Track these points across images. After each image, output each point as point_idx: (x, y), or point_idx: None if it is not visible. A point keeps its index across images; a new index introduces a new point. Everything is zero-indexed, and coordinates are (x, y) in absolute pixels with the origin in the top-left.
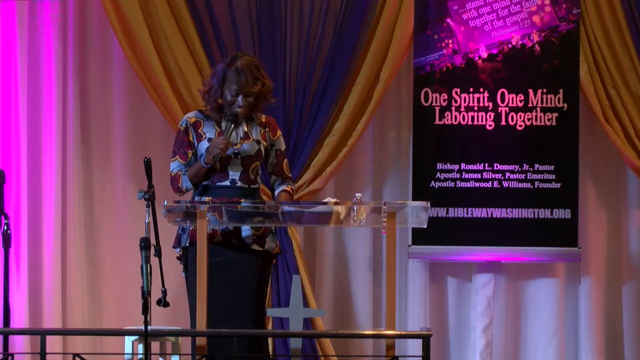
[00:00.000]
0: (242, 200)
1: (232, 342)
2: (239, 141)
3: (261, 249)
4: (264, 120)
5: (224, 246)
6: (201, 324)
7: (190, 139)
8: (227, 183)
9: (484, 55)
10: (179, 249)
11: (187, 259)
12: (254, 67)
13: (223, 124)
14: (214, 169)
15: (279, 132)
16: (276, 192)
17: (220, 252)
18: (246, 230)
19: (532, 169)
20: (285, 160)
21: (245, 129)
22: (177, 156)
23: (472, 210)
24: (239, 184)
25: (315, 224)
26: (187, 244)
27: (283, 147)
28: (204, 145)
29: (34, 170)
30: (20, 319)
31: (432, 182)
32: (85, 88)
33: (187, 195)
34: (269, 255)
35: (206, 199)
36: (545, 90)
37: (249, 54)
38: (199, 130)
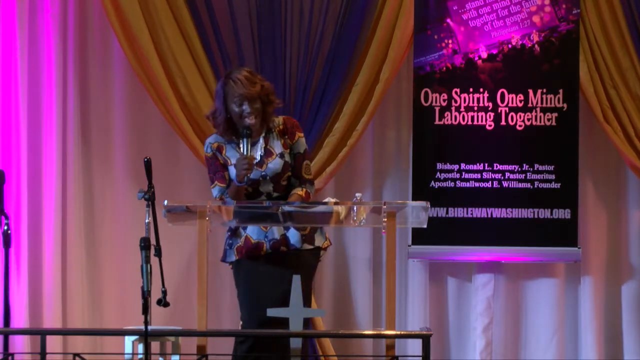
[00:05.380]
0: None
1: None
2: (262, 161)
3: (312, 247)
4: (282, 127)
5: (273, 257)
6: (201, 324)
7: (221, 161)
8: (263, 197)
9: (484, 55)
10: (228, 263)
11: (234, 267)
12: (248, 72)
13: (241, 144)
14: (248, 191)
15: (297, 135)
16: (290, 194)
17: (265, 263)
18: (294, 236)
19: (532, 169)
20: (305, 162)
21: (267, 146)
22: (216, 181)
23: (472, 210)
24: (274, 195)
25: (315, 224)
26: (234, 259)
27: (302, 149)
28: (232, 170)
29: (34, 170)
30: (20, 319)
31: (432, 182)
32: (85, 88)
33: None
34: (318, 251)
35: None
36: (545, 90)
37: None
38: (224, 155)
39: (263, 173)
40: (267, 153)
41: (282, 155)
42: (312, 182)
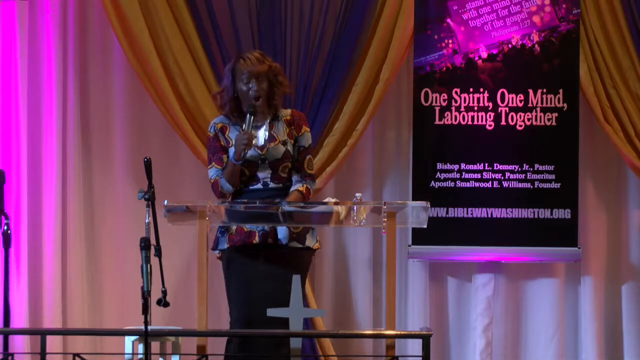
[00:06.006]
0: (277, 200)
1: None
2: (264, 145)
3: (301, 246)
4: (289, 117)
5: (262, 247)
6: (201, 324)
7: (222, 143)
8: (259, 186)
9: (484, 55)
10: (217, 251)
11: (225, 259)
12: (259, 54)
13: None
14: (245, 174)
15: (304, 128)
16: (290, 190)
17: (258, 260)
18: (281, 231)
19: (532, 169)
20: (309, 157)
21: (271, 131)
22: (213, 162)
23: (472, 210)
24: (271, 185)
25: (315, 224)
26: (226, 247)
27: (307, 144)
28: (231, 151)
29: (34, 170)
30: (20, 319)
31: (432, 182)
32: (85, 88)
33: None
34: (308, 251)
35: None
36: (545, 90)
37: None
38: (226, 136)
39: (263, 156)
40: (270, 138)
41: (284, 143)
42: (313, 177)
